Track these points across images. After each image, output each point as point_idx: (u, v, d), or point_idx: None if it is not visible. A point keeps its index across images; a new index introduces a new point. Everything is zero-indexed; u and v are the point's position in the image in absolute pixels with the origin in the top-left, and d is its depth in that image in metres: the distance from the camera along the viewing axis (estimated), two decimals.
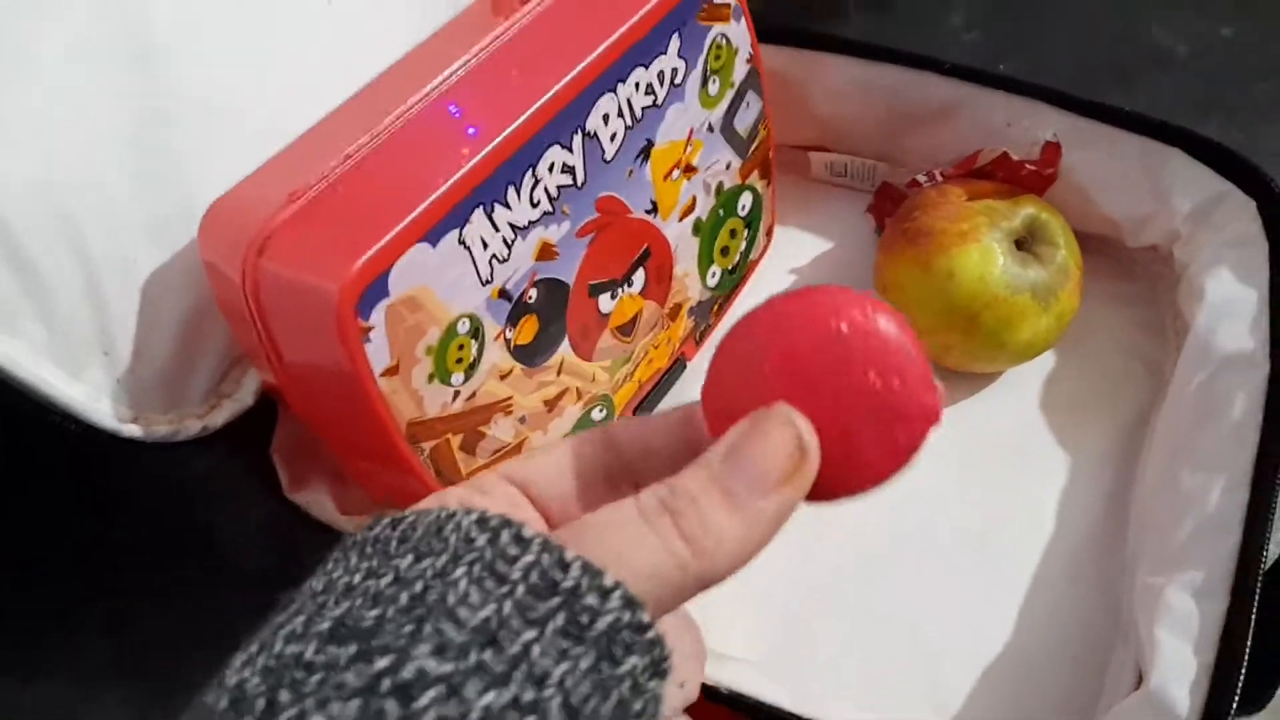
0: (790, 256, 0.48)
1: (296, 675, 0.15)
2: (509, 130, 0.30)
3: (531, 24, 0.34)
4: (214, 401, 0.35)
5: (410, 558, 0.17)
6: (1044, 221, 0.41)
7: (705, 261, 0.41)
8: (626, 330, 0.38)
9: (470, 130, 0.30)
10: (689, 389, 0.44)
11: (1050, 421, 0.43)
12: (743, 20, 0.38)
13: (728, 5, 0.37)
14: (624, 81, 0.34)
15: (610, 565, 0.17)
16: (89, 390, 0.32)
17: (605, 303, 0.37)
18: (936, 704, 0.37)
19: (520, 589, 0.16)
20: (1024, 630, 0.38)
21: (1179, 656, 0.31)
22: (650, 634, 0.17)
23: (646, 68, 0.34)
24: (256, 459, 0.37)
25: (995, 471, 0.42)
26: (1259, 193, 0.39)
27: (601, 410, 0.39)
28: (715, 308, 0.44)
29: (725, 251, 0.43)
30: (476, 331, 0.31)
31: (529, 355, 0.34)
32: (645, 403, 0.42)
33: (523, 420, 0.35)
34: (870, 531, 0.40)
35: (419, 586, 0.16)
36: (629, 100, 0.34)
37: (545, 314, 0.34)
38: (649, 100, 0.35)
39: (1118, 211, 0.43)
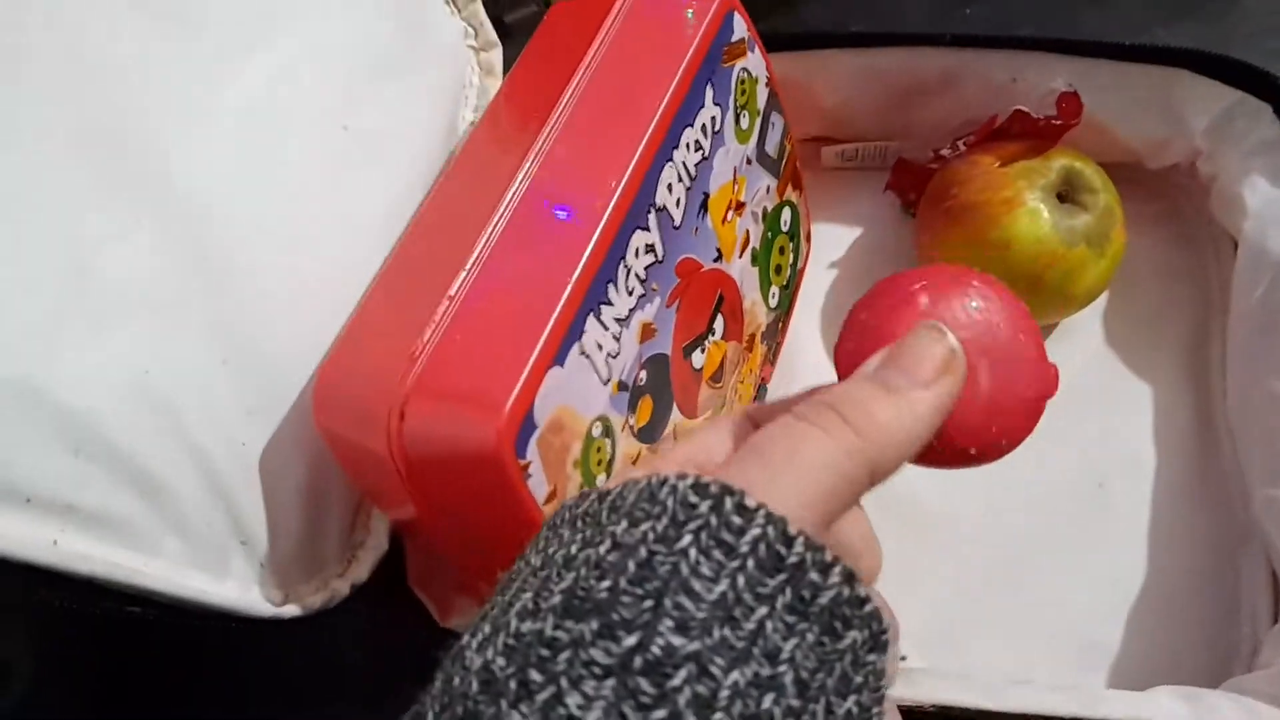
0: (826, 251, 0.49)
1: (542, 653, 0.16)
2: (598, 232, 0.30)
3: (575, 115, 0.33)
4: (350, 555, 0.35)
5: (625, 523, 0.17)
6: (1079, 170, 0.42)
7: (765, 286, 0.42)
8: (717, 378, 0.39)
9: (561, 225, 0.30)
10: None
11: (1119, 356, 0.44)
12: (756, 49, 0.38)
13: (744, 40, 0.37)
14: (678, 147, 0.34)
15: (782, 465, 0.18)
16: (238, 584, 0.31)
17: (697, 359, 0.37)
18: (1086, 659, 0.38)
19: (750, 563, 0.16)
20: (1154, 561, 0.40)
21: None
22: (869, 608, 0.17)
23: (692, 126, 0.34)
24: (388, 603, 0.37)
25: (1081, 418, 0.43)
26: (1272, 96, 0.41)
27: None
28: (780, 326, 0.44)
29: (779, 270, 0.43)
30: (608, 430, 0.32)
31: (650, 433, 0.34)
32: None
33: None
34: (979, 497, 0.41)
35: (643, 553, 0.16)
36: (684, 163, 0.34)
37: (655, 390, 0.34)
38: (699, 156, 0.35)
39: (1135, 140, 0.45)
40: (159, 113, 0.31)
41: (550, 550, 0.18)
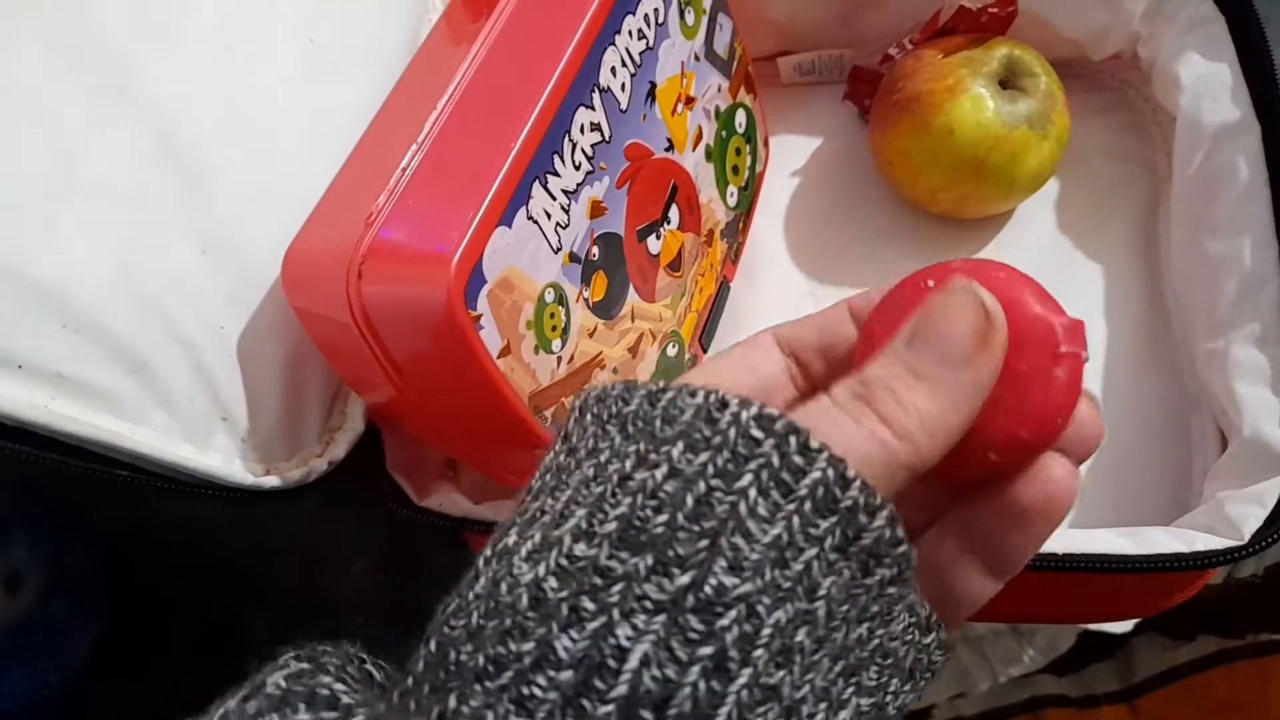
0: (787, 163, 0.51)
1: (596, 581, 0.16)
2: (541, 103, 0.32)
3: (519, 6, 0.35)
4: (328, 437, 0.37)
5: (682, 446, 0.17)
6: (1018, 56, 0.43)
7: (722, 184, 0.43)
8: (675, 266, 0.40)
9: (505, 101, 0.31)
10: (738, 310, 0.46)
11: (1071, 240, 0.46)
12: None
13: None
14: (619, 32, 0.35)
15: None
16: (221, 456, 0.33)
17: (653, 244, 0.39)
18: None
19: (807, 505, 0.16)
20: (1108, 426, 0.41)
21: (1263, 401, 0.35)
22: (902, 548, 0.17)
23: (634, 14, 0.36)
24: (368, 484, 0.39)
25: None
26: None
27: (674, 346, 0.41)
28: (740, 226, 0.46)
29: (735, 170, 0.45)
30: (561, 298, 0.33)
31: (605, 309, 0.36)
32: (706, 329, 0.44)
33: (615, 371, 0.37)
34: None
35: (701, 487, 0.16)
36: (627, 49, 0.36)
37: (609, 267, 0.36)
38: (643, 44, 0.37)
39: (1076, 30, 0.46)
40: (132, 26, 0.33)
41: (602, 457, 0.18)
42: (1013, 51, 0.43)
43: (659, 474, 0.17)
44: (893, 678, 0.19)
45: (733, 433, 0.17)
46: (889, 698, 0.19)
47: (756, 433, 0.17)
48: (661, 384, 0.18)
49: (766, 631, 0.16)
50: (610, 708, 0.15)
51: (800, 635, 0.16)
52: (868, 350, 0.20)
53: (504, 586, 0.17)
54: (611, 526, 0.16)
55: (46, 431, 0.29)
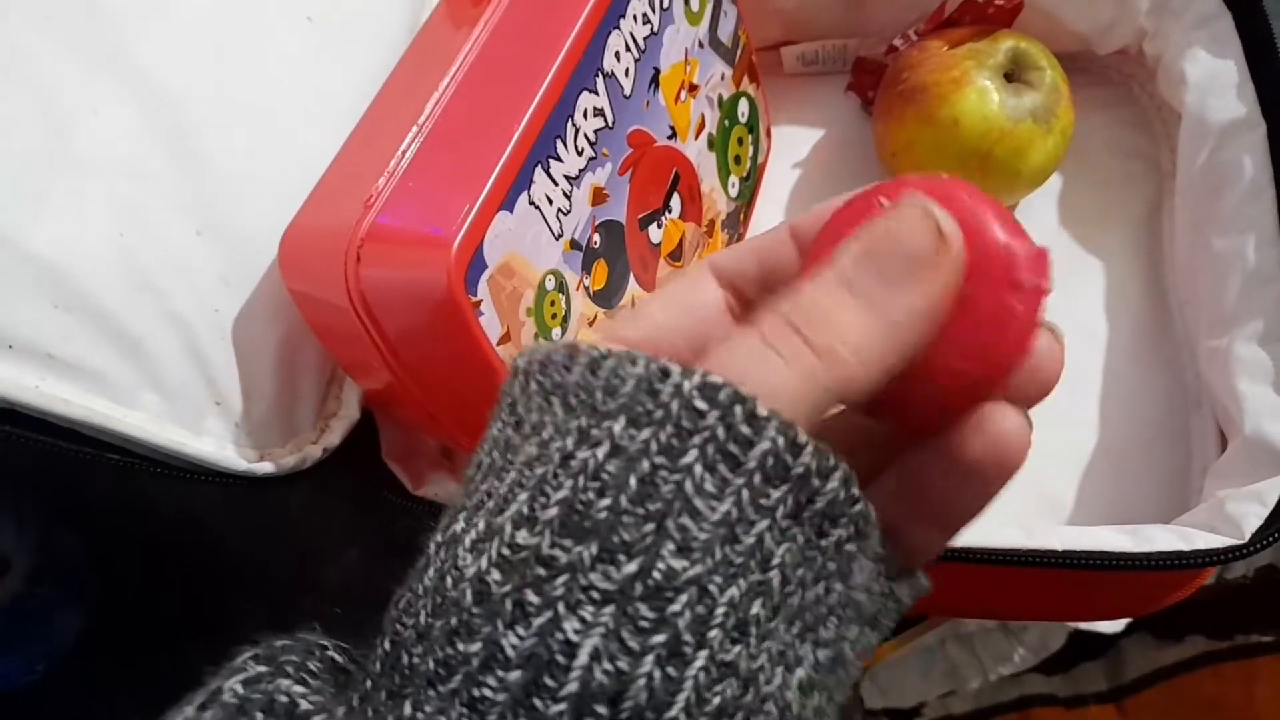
0: (789, 154, 0.50)
1: (539, 572, 0.15)
2: (544, 86, 0.31)
3: None
4: (323, 424, 0.36)
5: (624, 421, 0.16)
6: (1024, 49, 0.43)
7: (724, 174, 0.43)
8: (676, 255, 0.40)
9: (508, 84, 0.31)
10: None
11: (1073, 235, 0.46)
12: None
13: None
14: (624, 16, 0.35)
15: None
16: (214, 441, 0.33)
17: (654, 233, 0.38)
18: (1042, 504, 0.39)
19: (756, 478, 0.16)
20: (1107, 424, 0.41)
21: (1265, 398, 0.34)
22: (858, 507, 0.17)
23: None
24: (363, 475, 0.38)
25: None
26: None
27: None
28: (741, 217, 0.45)
29: (738, 160, 0.44)
30: (561, 285, 0.33)
31: (606, 298, 0.36)
32: None
33: None
34: None
35: (645, 466, 0.16)
36: (631, 34, 0.35)
37: (610, 256, 0.35)
38: (647, 29, 0.36)
39: (1082, 24, 0.46)
40: (128, 2, 0.32)
41: (545, 434, 0.17)
42: (1018, 44, 0.43)
43: (600, 452, 0.16)
44: (851, 624, 0.18)
45: (675, 405, 0.16)
46: (846, 645, 0.18)
47: (700, 404, 0.16)
48: (604, 349, 0.17)
49: (720, 611, 0.15)
50: (563, 706, 0.14)
51: (755, 607, 0.15)
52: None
53: (449, 580, 0.16)
54: (553, 512, 0.16)
55: (37, 413, 0.29)
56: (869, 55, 0.49)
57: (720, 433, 0.16)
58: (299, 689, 0.17)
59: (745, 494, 0.16)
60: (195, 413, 0.32)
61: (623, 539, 0.15)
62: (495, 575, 0.15)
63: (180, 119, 0.32)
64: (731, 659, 0.15)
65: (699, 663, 0.15)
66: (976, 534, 0.33)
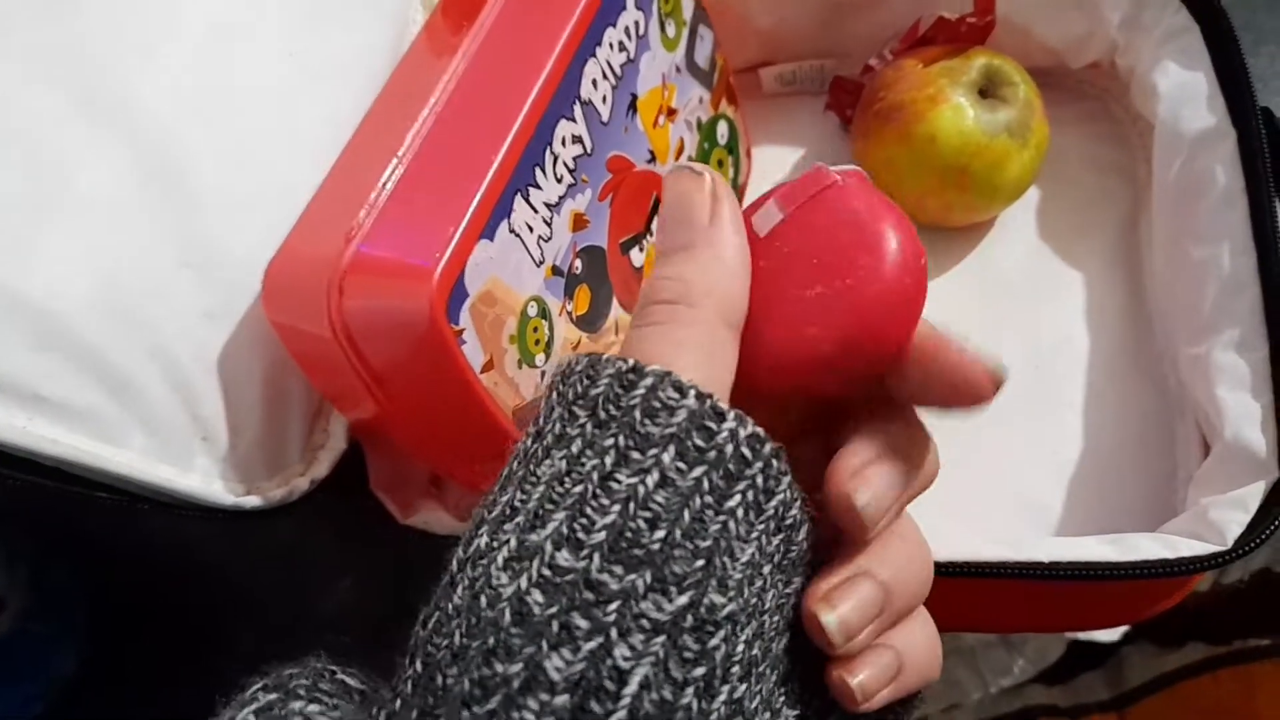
0: (770, 173, 0.51)
1: (587, 596, 0.15)
2: (522, 115, 0.32)
3: (499, 20, 0.35)
4: (310, 456, 0.36)
5: (673, 452, 0.17)
6: (997, 66, 0.43)
7: None
8: None
9: (485, 115, 0.31)
10: None
11: (1052, 248, 0.46)
12: None
13: None
14: (600, 45, 0.35)
15: (682, 367, 0.18)
16: (202, 477, 0.33)
17: (636, 257, 0.39)
18: (1029, 515, 0.40)
19: (771, 525, 0.17)
20: (1090, 434, 0.41)
21: (1243, 405, 0.35)
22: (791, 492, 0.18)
23: (615, 26, 0.36)
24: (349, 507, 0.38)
25: (1018, 308, 0.45)
26: None
27: None
28: None
29: None
30: (544, 312, 0.33)
31: (589, 322, 0.36)
32: None
33: None
34: None
35: (697, 504, 0.16)
36: (608, 61, 0.36)
37: (592, 281, 0.36)
38: (624, 57, 0.37)
39: (1055, 39, 0.46)
40: (113, 40, 0.33)
41: (574, 447, 0.17)
42: (991, 61, 0.43)
43: (650, 481, 0.16)
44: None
45: (729, 450, 0.17)
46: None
47: (746, 452, 0.17)
48: (631, 362, 0.18)
49: (740, 648, 0.16)
50: None
51: (755, 648, 0.17)
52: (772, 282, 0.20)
53: (484, 600, 0.16)
54: (600, 536, 0.16)
55: (25, 454, 0.29)
56: (846, 75, 0.49)
57: (759, 481, 0.17)
58: (313, 707, 0.17)
59: (763, 540, 0.17)
60: (182, 449, 0.32)
61: (674, 571, 0.16)
62: (537, 596, 0.16)
63: (164, 155, 0.33)
64: (740, 696, 0.16)
65: (722, 696, 0.16)
66: (965, 548, 0.34)
